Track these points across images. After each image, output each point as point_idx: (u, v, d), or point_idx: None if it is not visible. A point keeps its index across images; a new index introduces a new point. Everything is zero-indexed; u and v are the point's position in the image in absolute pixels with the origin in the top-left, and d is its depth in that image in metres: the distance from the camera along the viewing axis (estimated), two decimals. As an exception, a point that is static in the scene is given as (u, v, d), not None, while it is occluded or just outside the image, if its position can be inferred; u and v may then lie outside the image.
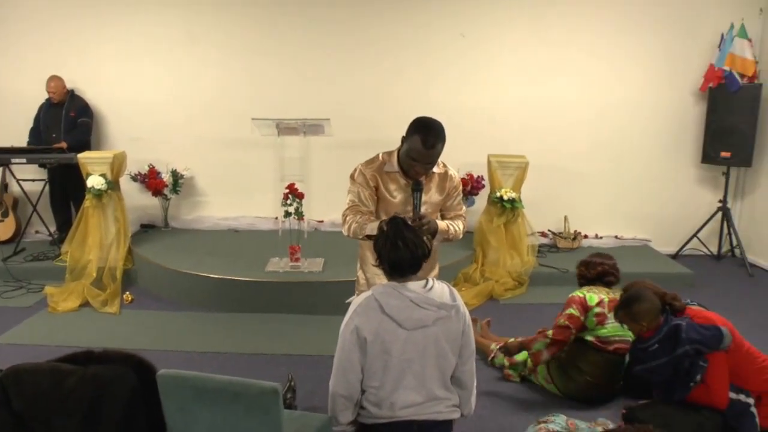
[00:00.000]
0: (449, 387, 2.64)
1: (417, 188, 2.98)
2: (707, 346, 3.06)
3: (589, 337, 3.85)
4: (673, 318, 3.20)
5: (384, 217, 2.94)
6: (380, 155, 3.14)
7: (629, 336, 3.85)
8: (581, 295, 3.91)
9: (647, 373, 3.24)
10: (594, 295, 3.88)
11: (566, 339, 3.86)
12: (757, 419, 3.15)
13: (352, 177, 3.14)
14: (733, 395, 3.14)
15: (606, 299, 3.87)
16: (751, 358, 3.22)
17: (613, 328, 3.81)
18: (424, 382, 2.55)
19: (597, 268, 4.06)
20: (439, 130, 2.90)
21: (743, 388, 3.18)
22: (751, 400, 3.16)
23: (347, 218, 3.07)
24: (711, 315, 3.27)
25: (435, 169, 3.11)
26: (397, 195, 3.10)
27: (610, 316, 3.78)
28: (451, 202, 3.24)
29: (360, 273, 3.36)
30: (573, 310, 3.85)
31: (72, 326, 5.04)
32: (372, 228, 2.83)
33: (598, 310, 3.82)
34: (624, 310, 3.30)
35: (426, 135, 2.86)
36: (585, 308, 3.85)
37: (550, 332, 3.89)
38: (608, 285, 4.04)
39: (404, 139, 2.98)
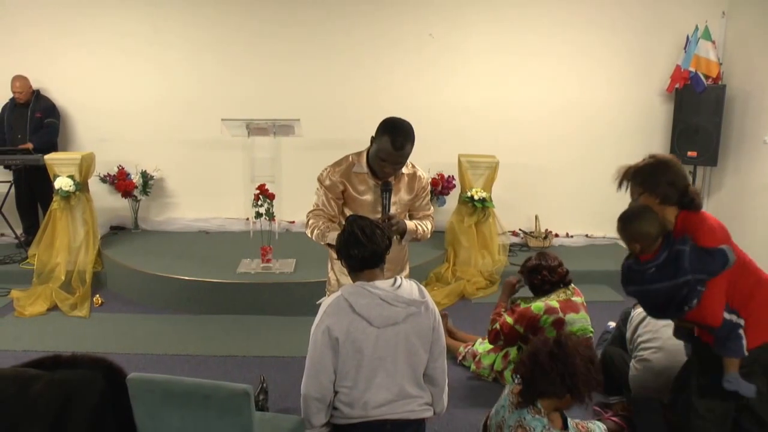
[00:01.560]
0: (421, 385, 2.65)
1: (386, 189, 3.00)
2: (710, 274, 2.80)
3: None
4: (674, 242, 2.88)
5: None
6: (349, 156, 3.14)
7: (590, 331, 3.90)
8: (527, 305, 3.87)
9: (639, 296, 3.02)
10: (540, 303, 3.84)
11: (495, 341, 4.00)
12: (744, 341, 2.85)
13: (319, 179, 3.15)
14: (726, 315, 2.88)
15: (555, 303, 3.83)
16: (749, 272, 2.95)
17: (572, 330, 3.79)
18: (396, 379, 2.56)
19: (558, 270, 3.96)
20: (408, 130, 2.92)
21: (737, 310, 2.90)
22: (741, 321, 2.88)
23: (310, 222, 3.12)
24: (714, 225, 2.97)
25: (404, 170, 3.13)
26: (366, 196, 3.10)
27: (568, 317, 3.80)
28: (420, 203, 3.26)
29: (330, 273, 3.36)
30: (509, 319, 3.88)
31: (40, 331, 4.96)
32: (332, 237, 2.86)
33: (551, 318, 3.79)
34: (621, 224, 2.93)
35: (395, 136, 2.87)
36: (531, 320, 3.81)
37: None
38: (568, 284, 3.98)
39: (373, 140, 2.98)
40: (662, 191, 2.90)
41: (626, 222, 2.89)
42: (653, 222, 2.84)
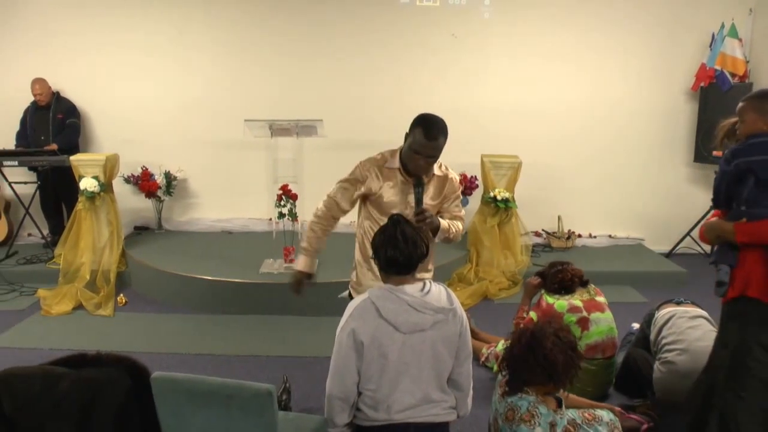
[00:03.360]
0: (445, 389, 2.63)
1: (418, 184, 2.99)
2: None
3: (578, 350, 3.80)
4: None
5: (379, 216, 3.03)
6: (384, 152, 3.14)
7: (615, 333, 3.85)
8: (551, 302, 3.84)
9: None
10: (563, 302, 3.80)
11: None
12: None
13: (351, 172, 3.15)
14: None
15: (579, 302, 3.80)
16: None
17: (598, 330, 3.76)
18: (420, 384, 2.54)
19: (578, 270, 3.97)
20: (441, 123, 2.93)
21: None
22: None
23: (313, 222, 3.26)
24: None
25: (436, 171, 3.11)
26: (393, 193, 3.08)
27: (592, 316, 3.76)
28: (449, 204, 3.24)
29: (356, 269, 3.36)
30: (534, 316, 3.83)
31: (65, 329, 5.01)
32: (300, 262, 3.29)
33: (575, 317, 3.74)
34: (756, 101, 3.00)
35: (429, 127, 2.88)
36: (554, 318, 3.73)
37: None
38: (586, 284, 3.97)
39: (407, 136, 2.98)
40: None
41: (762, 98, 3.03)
42: None
